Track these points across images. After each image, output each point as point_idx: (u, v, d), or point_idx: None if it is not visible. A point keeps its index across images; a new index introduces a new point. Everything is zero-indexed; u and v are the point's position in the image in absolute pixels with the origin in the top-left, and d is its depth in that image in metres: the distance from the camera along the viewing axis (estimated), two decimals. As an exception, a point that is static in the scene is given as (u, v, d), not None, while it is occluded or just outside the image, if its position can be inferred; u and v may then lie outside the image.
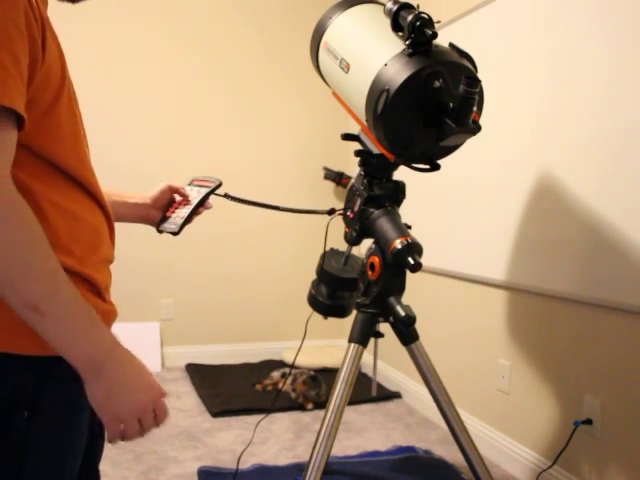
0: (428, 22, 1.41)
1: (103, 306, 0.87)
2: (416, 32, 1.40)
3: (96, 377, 0.74)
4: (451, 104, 1.42)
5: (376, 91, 1.46)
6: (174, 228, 1.24)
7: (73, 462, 0.86)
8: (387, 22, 1.49)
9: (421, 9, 1.46)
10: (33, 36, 0.76)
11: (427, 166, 1.61)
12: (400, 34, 1.46)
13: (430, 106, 1.44)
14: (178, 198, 1.29)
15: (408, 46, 1.43)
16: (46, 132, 0.81)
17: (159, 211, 1.26)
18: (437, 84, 1.41)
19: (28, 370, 0.78)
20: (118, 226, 0.99)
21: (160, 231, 1.25)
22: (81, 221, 0.86)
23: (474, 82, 1.37)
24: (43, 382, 0.80)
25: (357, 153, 1.69)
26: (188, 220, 1.26)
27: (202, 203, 1.29)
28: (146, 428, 0.80)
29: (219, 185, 1.34)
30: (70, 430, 0.84)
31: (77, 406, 0.84)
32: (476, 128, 1.45)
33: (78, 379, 0.79)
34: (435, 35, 1.41)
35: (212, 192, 1.34)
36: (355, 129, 1.72)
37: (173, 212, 1.26)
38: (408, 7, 1.45)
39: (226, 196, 1.51)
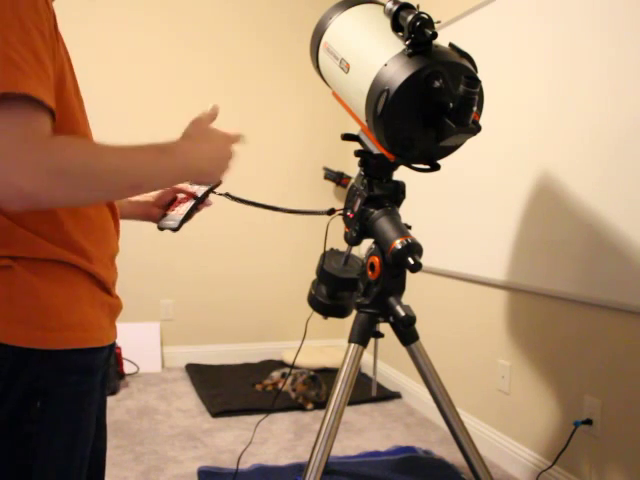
0: (428, 22, 1.41)
1: (110, 300, 0.93)
2: (416, 32, 1.40)
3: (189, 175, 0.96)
4: (451, 104, 1.42)
5: (376, 91, 1.46)
6: (173, 224, 1.25)
7: (82, 451, 0.89)
8: (387, 22, 1.49)
9: (421, 9, 1.45)
10: (51, 33, 0.77)
11: (427, 166, 1.61)
12: (400, 34, 1.46)
13: (430, 106, 1.44)
14: (180, 197, 1.30)
15: (408, 46, 1.42)
16: (58, 129, 0.82)
17: (161, 209, 1.28)
18: (437, 84, 1.41)
19: (44, 363, 0.82)
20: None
21: (161, 228, 1.27)
22: (89, 219, 0.89)
23: (474, 82, 1.36)
24: (57, 374, 0.83)
25: (357, 153, 1.69)
26: (188, 217, 1.27)
27: (202, 200, 1.30)
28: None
29: (219, 183, 1.35)
30: (79, 421, 0.87)
31: (87, 398, 0.88)
32: (476, 128, 1.45)
33: (88, 372, 0.87)
34: (435, 35, 1.41)
35: (211, 190, 1.34)
36: (355, 129, 1.72)
37: (173, 210, 1.28)
38: (408, 7, 1.45)
39: (227, 195, 1.51)
